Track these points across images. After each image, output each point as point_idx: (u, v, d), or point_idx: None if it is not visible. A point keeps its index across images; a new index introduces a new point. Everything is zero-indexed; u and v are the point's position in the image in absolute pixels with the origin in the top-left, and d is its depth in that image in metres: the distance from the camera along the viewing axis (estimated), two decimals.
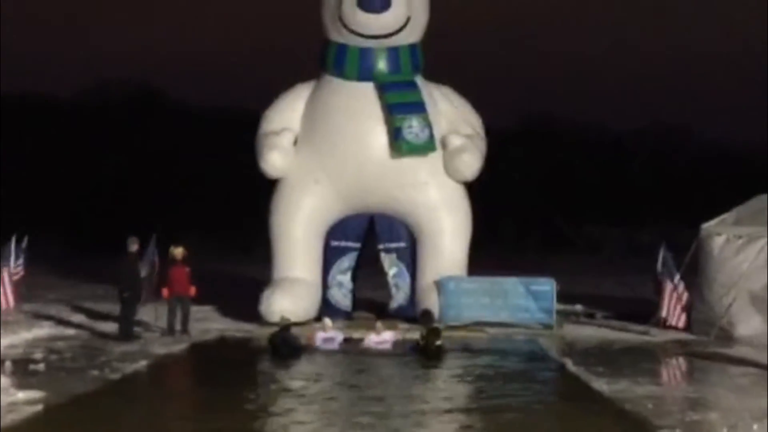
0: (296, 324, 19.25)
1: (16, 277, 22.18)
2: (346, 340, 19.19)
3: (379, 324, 19.39)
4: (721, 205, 22.48)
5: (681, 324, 21.62)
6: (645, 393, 13.70)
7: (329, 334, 19.12)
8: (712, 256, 20.89)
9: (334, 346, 18.72)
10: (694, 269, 21.59)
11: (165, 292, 20.28)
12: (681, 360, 17.43)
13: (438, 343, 17.59)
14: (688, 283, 21.85)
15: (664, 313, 21.85)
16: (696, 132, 67.18)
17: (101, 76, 62.21)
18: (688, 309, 21.69)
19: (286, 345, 17.77)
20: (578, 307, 25.42)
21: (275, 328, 18.55)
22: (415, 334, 19.23)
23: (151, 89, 61.29)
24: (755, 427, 11.24)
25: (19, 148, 52.88)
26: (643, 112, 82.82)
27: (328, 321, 19.71)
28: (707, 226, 21.53)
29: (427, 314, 20.13)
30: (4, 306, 21.08)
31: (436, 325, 19.11)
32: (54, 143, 53.79)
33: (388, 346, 18.73)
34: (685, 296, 21.76)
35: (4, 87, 53.53)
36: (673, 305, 21.78)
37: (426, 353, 17.46)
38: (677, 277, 21.97)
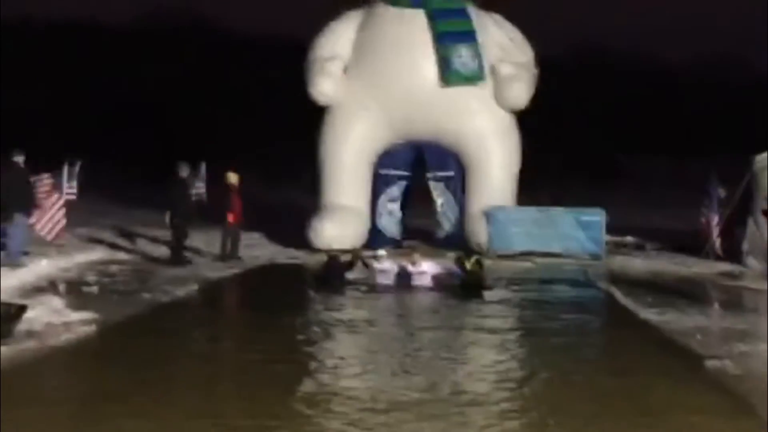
0: (344, 251, 18.90)
1: (69, 197, 22.36)
2: (400, 275, 17.56)
3: (416, 255, 17.92)
4: None
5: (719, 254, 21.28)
6: (693, 324, 13.62)
7: (384, 266, 17.72)
8: (766, 190, 20.61)
9: (389, 280, 17.30)
10: (746, 201, 21.34)
11: (231, 217, 20.45)
12: (731, 291, 17.30)
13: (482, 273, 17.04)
14: (741, 215, 21.59)
15: (711, 245, 21.53)
16: (751, 61, 66.01)
17: (151, 3, 62.32)
18: (730, 241, 21.42)
19: (334, 275, 17.20)
20: (628, 238, 25.31)
21: (323, 256, 18.36)
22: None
23: (201, 16, 61.26)
24: None
25: (70, 75, 53.22)
26: (697, 41, 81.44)
27: (382, 252, 18.49)
28: (760, 157, 21.22)
29: (459, 260, 17.76)
30: (52, 233, 21.23)
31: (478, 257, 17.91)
32: (105, 70, 53.99)
33: (427, 280, 17.23)
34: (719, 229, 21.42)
35: (54, 14, 53.87)
36: (714, 237, 21.49)
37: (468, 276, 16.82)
38: (715, 211, 21.72)
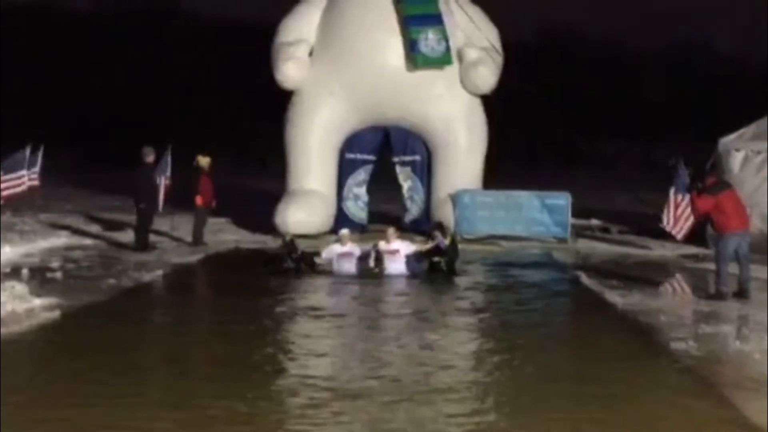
0: (308, 236, 18.60)
1: (33, 183, 22.18)
2: (362, 258, 16.95)
3: (390, 230, 17.09)
4: (741, 121, 22.29)
5: (681, 236, 21.27)
6: (658, 306, 13.75)
7: (346, 248, 16.96)
8: (732, 172, 20.69)
9: (351, 266, 16.68)
10: None
11: (199, 199, 20.33)
12: (695, 273, 17.43)
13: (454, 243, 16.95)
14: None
15: (665, 222, 21.51)
16: (715, 46, 66.50)
17: None
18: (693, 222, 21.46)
19: (290, 260, 16.82)
20: (593, 222, 25.42)
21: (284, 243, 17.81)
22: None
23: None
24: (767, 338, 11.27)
25: (35, 59, 52.72)
26: (662, 26, 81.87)
27: (345, 232, 17.53)
28: (725, 140, 21.35)
29: (439, 226, 18.06)
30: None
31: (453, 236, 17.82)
32: (70, 53, 53.53)
33: (400, 263, 16.56)
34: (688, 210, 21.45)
35: None
36: (676, 217, 21.50)
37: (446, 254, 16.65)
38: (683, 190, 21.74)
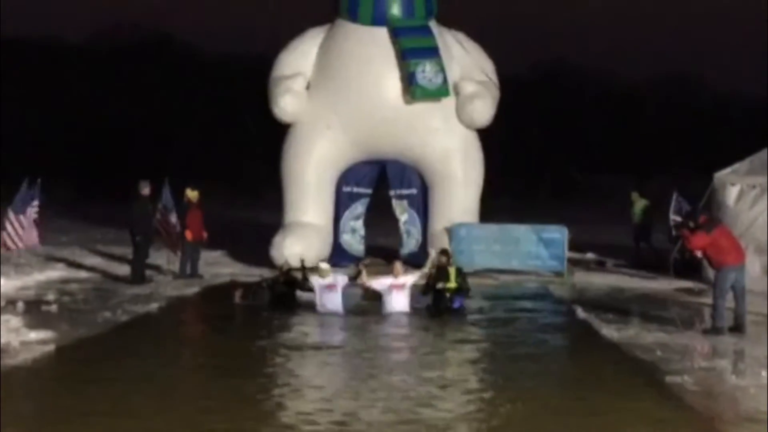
0: (298, 269, 18.31)
1: (35, 216, 22.26)
2: (351, 280, 16.46)
3: (398, 264, 16.44)
4: (734, 155, 22.37)
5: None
6: (654, 340, 13.73)
7: (328, 281, 16.14)
8: (728, 206, 20.73)
9: (336, 298, 15.92)
10: None
11: (189, 234, 20.33)
12: (691, 307, 17.42)
13: (460, 281, 16.24)
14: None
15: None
16: (709, 81, 66.86)
17: (111, 20, 62.20)
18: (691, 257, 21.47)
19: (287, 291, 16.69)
20: (589, 255, 25.43)
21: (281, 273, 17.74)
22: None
23: (161, 34, 61.11)
24: (763, 373, 11.25)
25: (31, 92, 52.84)
26: (655, 60, 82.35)
27: (324, 265, 16.59)
28: (720, 174, 21.39)
29: (445, 253, 17.16)
30: (16, 245, 21.17)
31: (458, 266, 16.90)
32: (64, 87, 53.65)
33: (404, 300, 15.93)
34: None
35: (12, 30, 53.53)
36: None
37: (452, 295, 16.05)
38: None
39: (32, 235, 21.88)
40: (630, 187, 28.82)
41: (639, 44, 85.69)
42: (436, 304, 16.05)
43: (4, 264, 20.20)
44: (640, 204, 25.39)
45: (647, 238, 25.24)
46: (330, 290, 16.05)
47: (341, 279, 16.33)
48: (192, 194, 20.67)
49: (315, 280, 16.27)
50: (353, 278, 16.61)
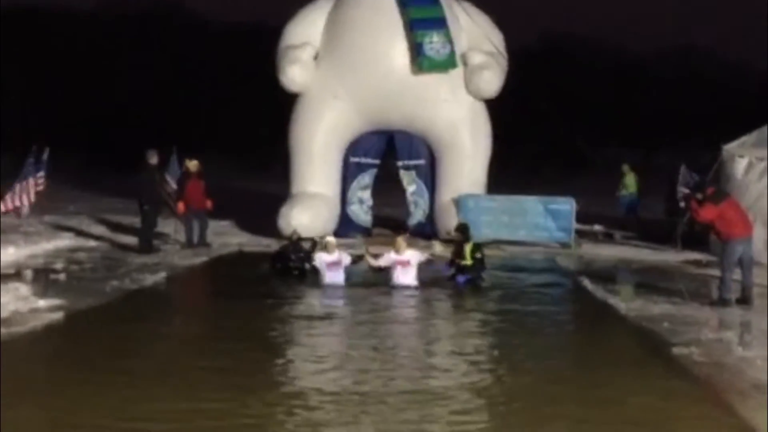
0: (309, 239, 18.39)
1: (39, 188, 22.19)
2: (354, 263, 16.29)
3: (400, 239, 16.12)
4: (743, 127, 22.29)
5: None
6: (661, 312, 13.74)
7: (334, 257, 16.04)
8: (736, 179, 20.68)
9: (339, 275, 15.82)
10: None
11: (181, 206, 20.34)
12: (698, 279, 17.42)
13: (478, 255, 16.16)
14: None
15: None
16: (718, 53, 66.48)
17: None
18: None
19: (296, 260, 16.61)
20: (597, 227, 25.43)
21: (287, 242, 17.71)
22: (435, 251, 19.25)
23: (169, 2, 60.91)
24: None
25: (38, 61, 52.78)
26: (663, 32, 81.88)
27: (331, 239, 16.46)
28: (729, 147, 21.33)
29: (465, 227, 17.07)
30: (14, 208, 21.18)
31: (475, 241, 16.74)
32: (73, 55, 53.56)
33: (412, 271, 15.69)
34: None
35: None
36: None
37: (470, 272, 15.95)
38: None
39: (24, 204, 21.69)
40: (638, 159, 29.14)
41: (647, 16, 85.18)
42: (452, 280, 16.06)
43: (13, 232, 20.27)
44: (630, 177, 26.44)
45: (635, 210, 26.40)
46: (334, 267, 15.91)
47: (345, 258, 16.14)
48: (191, 164, 20.64)
49: (319, 257, 16.14)
50: (357, 259, 16.38)
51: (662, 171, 28.60)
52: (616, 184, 27.57)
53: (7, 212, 21.12)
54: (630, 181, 26.61)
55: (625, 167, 27.04)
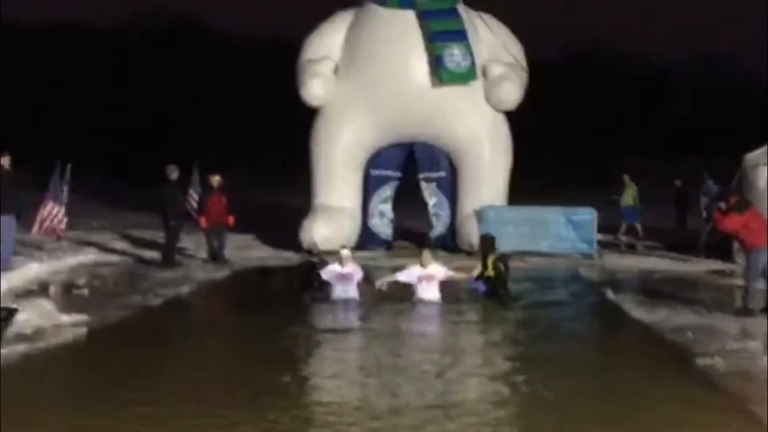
0: (327, 252, 18.24)
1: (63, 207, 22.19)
2: (365, 279, 15.81)
3: (425, 253, 15.76)
4: (765, 136, 22.20)
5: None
6: (684, 322, 13.65)
7: (347, 269, 15.57)
8: (757, 188, 20.59)
9: (350, 289, 15.36)
10: None
11: (203, 221, 20.41)
12: (722, 289, 17.32)
13: (501, 267, 15.85)
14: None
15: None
16: (742, 61, 66.17)
17: (140, 5, 62.33)
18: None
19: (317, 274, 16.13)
20: (620, 237, 25.38)
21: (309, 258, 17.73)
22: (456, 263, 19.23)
23: (190, 18, 61.23)
24: None
25: (62, 77, 53.14)
26: (686, 41, 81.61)
27: (345, 252, 15.88)
28: (751, 156, 21.26)
29: (488, 240, 16.79)
30: (50, 231, 21.09)
31: (501, 252, 16.60)
32: (96, 72, 53.89)
33: (434, 290, 15.28)
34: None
35: (41, 16, 53.80)
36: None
37: (493, 284, 15.69)
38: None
39: (60, 226, 21.52)
40: (662, 169, 29.43)
41: (669, 25, 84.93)
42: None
43: (37, 249, 20.37)
44: (631, 188, 27.20)
45: (635, 219, 27.00)
46: (345, 280, 15.45)
47: (358, 273, 15.69)
48: (214, 179, 20.72)
49: (330, 269, 15.69)
50: (369, 277, 15.95)
51: (684, 180, 28.63)
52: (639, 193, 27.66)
53: (46, 233, 21.04)
54: (631, 192, 26.86)
55: (626, 178, 27.63)
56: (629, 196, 26.96)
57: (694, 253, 21.86)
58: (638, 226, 26.59)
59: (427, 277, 15.35)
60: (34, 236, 20.76)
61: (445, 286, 15.67)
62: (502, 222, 21.80)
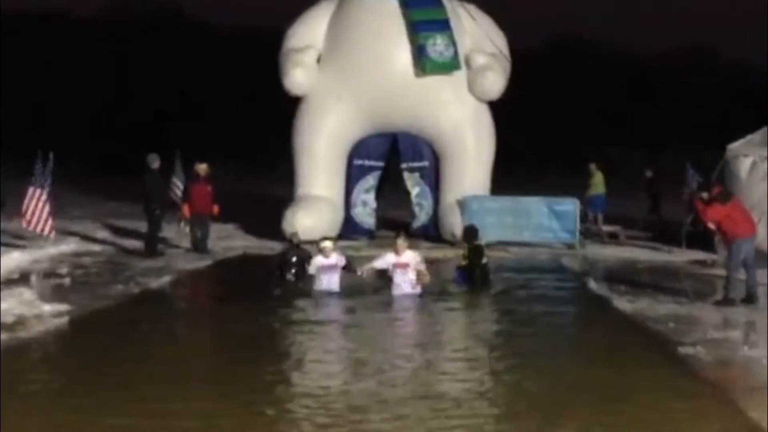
0: (307, 242, 18.15)
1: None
2: (345, 268, 15.54)
3: (399, 241, 15.34)
4: (747, 127, 22.29)
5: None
6: (666, 312, 13.73)
7: (330, 260, 15.45)
8: (740, 179, 20.67)
9: (334, 280, 15.24)
10: None
11: (186, 209, 20.34)
12: (703, 279, 17.40)
13: (484, 261, 16.04)
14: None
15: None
16: (722, 53, 66.48)
17: None
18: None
19: (296, 263, 16.23)
20: (602, 228, 25.42)
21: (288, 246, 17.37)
22: (439, 254, 19.25)
23: (171, 6, 61.01)
24: None
25: (44, 66, 52.87)
26: (668, 33, 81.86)
27: (327, 243, 15.66)
28: (733, 146, 21.34)
29: (470, 231, 16.78)
30: (40, 229, 20.76)
31: (479, 242, 16.39)
32: (78, 61, 53.62)
33: (409, 274, 15.05)
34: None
35: (23, 4, 53.53)
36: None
37: (472, 275, 15.78)
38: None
39: (48, 223, 21.19)
40: (643, 159, 29.33)
41: (651, 17, 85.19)
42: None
43: (18, 237, 20.28)
44: (598, 176, 26.83)
45: (602, 209, 26.71)
46: (329, 271, 15.33)
47: (341, 260, 15.54)
48: (200, 168, 20.60)
49: (315, 261, 15.53)
50: (349, 266, 15.72)
51: (655, 170, 28.74)
52: (620, 184, 27.68)
53: (33, 230, 20.71)
54: (598, 181, 26.73)
55: (592, 167, 27.36)
56: (598, 185, 26.88)
57: (675, 243, 21.93)
58: (600, 216, 26.43)
59: (400, 265, 15.17)
60: (17, 228, 20.57)
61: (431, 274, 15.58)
62: (484, 212, 21.82)
